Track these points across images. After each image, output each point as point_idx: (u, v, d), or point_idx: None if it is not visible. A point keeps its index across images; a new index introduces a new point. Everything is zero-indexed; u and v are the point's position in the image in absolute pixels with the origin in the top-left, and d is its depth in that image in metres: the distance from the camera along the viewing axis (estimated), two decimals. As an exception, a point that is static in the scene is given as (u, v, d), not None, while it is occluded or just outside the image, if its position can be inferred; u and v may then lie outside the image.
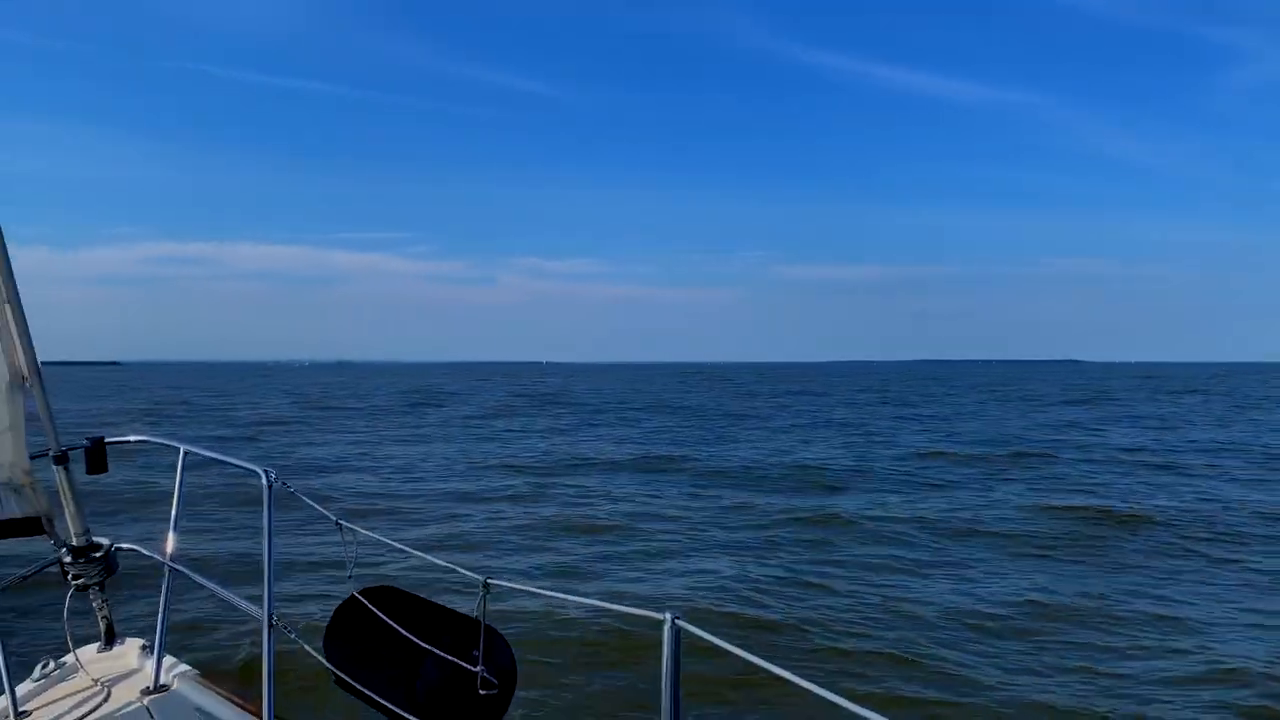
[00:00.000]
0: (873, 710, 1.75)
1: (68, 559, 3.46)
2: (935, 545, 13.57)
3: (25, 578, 3.67)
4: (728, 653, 2.06)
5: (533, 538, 13.95)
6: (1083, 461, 24.26)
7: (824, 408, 52.77)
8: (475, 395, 69.50)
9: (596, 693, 7.76)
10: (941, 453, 26.57)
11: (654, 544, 13.42)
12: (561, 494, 18.41)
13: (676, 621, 2.08)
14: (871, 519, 15.39)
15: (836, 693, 1.82)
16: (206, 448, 3.73)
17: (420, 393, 72.64)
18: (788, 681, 1.95)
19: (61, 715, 3.41)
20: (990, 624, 9.57)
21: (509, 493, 18.46)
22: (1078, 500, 17.40)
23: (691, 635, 2.11)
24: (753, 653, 2.02)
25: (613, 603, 2.57)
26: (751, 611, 9.86)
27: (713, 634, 2.10)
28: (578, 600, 2.73)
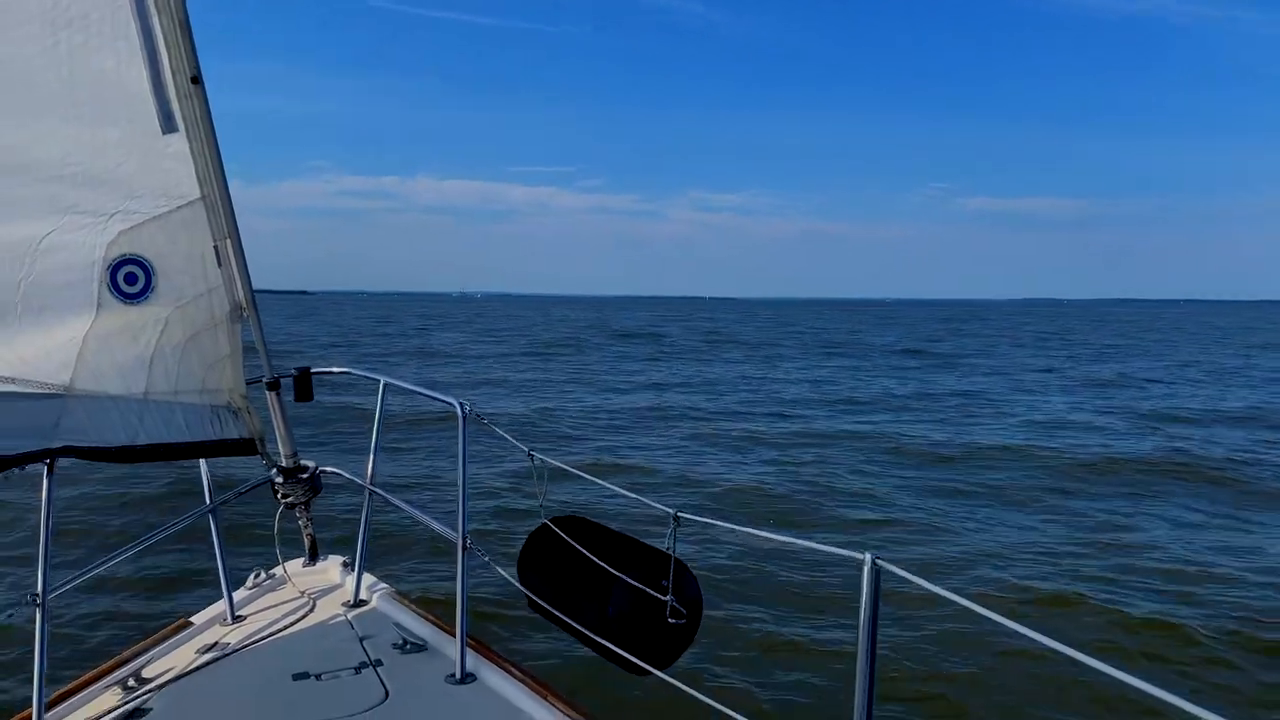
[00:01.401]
0: (1091, 655, 1.66)
1: (277, 479, 3.72)
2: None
3: (240, 494, 4.00)
4: (932, 596, 2.01)
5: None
6: None
7: (1027, 349, 46.16)
8: (648, 331, 65.18)
9: (788, 631, 7.72)
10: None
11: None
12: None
13: (877, 562, 2.02)
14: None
15: (1049, 635, 1.75)
16: (405, 380, 3.93)
17: (598, 329, 69.25)
18: (997, 625, 1.87)
19: (273, 621, 3.72)
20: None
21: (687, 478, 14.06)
22: None
23: (893, 577, 2.06)
24: (960, 595, 1.96)
25: (809, 540, 2.52)
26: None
27: (917, 575, 2.05)
28: (772, 538, 2.69)
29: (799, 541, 2.55)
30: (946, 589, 2.00)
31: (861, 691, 2.03)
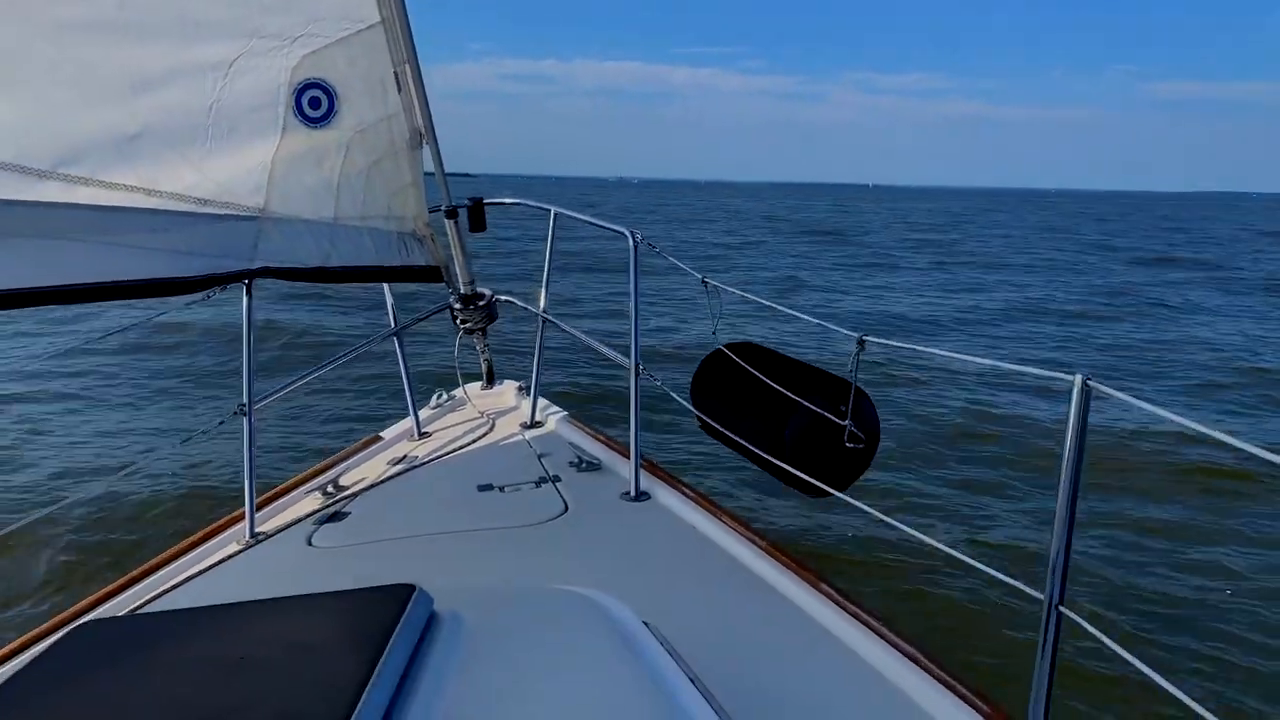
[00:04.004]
0: None
1: (457, 305, 3.85)
2: None
3: (421, 319, 4.18)
4: (1142, 416, 1.87)
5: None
6: None
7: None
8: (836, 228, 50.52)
9: (979, 459, 7.49)
10: None
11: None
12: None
13: (1089, 382, 1.87)
14: None
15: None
16: (576, 210, 3.96)
17: (778, 222, 58.55)
18: (1211, 440, 1.73)
19: (455, 439, 3.91)
20: None
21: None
22: None
23: (1104, 396, 1.90)
24: (1184, 417, 1.81)
25: (1008, 362, 2.37)
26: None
27: (1129, 394, 1.89)
28: (966, 359, 2.52)
29: (999, 364, 2.38)
30: (1168, 411, 1.84)
31: (1061, 521, 1.90)
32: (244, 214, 3.13)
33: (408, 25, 3.16)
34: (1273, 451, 1.63)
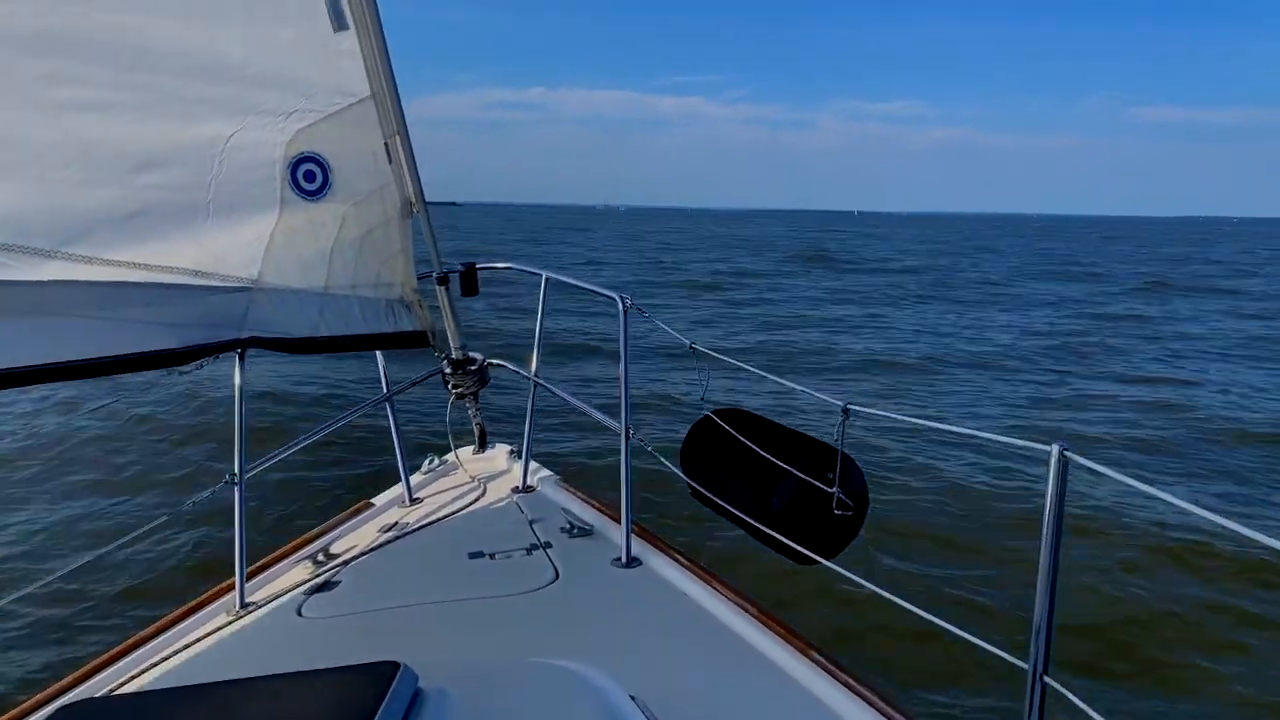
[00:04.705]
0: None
1: (448, 370, 3.90)
2: None
3: (414, 384, 4.21)
4: (1120, 487, 1.90)
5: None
6: None
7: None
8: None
9: (963, 526, 7.58)
10: None
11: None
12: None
13: (1065, 454, 1.90)
14: None
15: (1251, 527, 1.64)
16: (566, 275, 4.01)
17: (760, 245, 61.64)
18: (1189, 514, 1.76)
19: (447, 504, 3.93)
20: None
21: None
22: None
23: (1081, 468, 1.93)
24: (1148, 484, 1.85)
25: (989, 432, 2.43)
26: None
27: (1106, 466, 1.91)
28: (948, 429, 2.57)
29: (979, 434, 2.43)
30: (1143, 482, 1.88)
31: (1043, 591, 1.93)
32: (237, 285, 3.17)
33: (397, 98, 3.22)
34: (1241, 522, 1.67)
